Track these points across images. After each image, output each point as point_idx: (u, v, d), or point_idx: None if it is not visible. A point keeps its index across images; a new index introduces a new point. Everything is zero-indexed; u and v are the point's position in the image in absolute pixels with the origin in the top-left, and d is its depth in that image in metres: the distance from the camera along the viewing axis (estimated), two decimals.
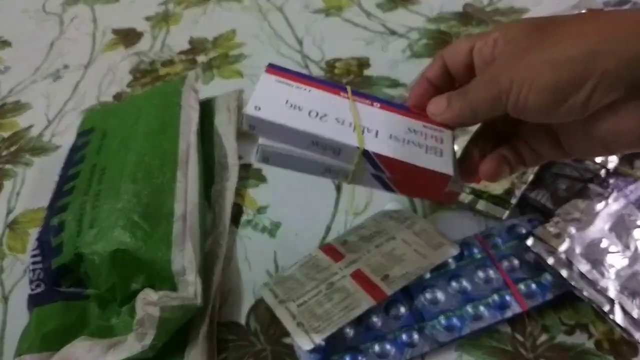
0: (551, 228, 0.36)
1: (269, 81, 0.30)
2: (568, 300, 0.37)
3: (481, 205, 0.39)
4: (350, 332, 0.36)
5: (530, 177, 0.38)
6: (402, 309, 0.37)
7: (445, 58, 0.31)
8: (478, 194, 0.40)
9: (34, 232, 0.48)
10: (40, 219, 0.44)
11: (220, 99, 0.53)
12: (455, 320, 0.35)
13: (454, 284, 0.37)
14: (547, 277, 0.36)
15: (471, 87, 0.28)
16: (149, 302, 0.35)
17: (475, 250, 0.39)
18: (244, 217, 0.46)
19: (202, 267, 0.39)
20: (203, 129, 0.49)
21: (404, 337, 0.35)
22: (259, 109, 0.28)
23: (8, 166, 0.56)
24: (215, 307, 0.39)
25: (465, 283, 0.37)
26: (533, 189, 0.40)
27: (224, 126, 0.51)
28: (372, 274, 0.38)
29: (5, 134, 0.60)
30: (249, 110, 0.28)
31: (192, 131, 0.46)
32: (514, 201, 0.38)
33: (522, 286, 0.36)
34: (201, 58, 0.65)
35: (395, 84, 0.57)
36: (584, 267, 0.34)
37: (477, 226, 0.42)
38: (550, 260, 0.35)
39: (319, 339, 0.34)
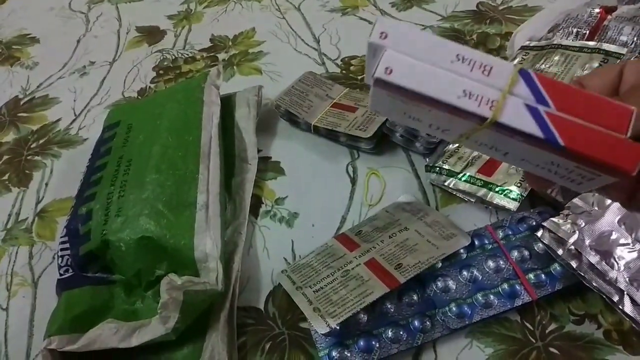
0: (561, 220, 0.37)
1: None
2: (577, 291, 0.37)
3: (492, 197, 0.40)
4: (364, 317, 0.37)
5: None
6: (415, 297, 0.38)
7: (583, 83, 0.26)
8: (490, 187, 0.41)
9: (62, 221, 0.50)
10: (68, 208, 0.46)
11: (240, 94, 0.55)
12: (465, 308, 0.37)
13: (465, 273, 0.38)
14: (556, 268, 0.37)
15: None
16: (173, 287, 0.36)
17: (486, 241, 0.40)
18: (263, 208, 0.47)
19: (223, 255, 0.40)
20: (224, 123, 0.51)
21: (416, 322, 0.37)
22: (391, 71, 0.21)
23: (37, 158, 0.58)
24: (235, 293, 0.40)
25: (476, 272, 0.38)
26: None
27: (244, 120, 0.52)
28: (386, 263, 0.39)
29: (34, 127, 0.62)
30: (374, 38, 0.21)
31: (214, 125, 0.48)
32: (524, 194, 0.39)
33: (531, 276, 0.37)
34: (222, 55, 0.67)
35: None
36: (593, 258, 0.35)
37: (488, 218, 0.43)
38: (560, 252, 0.36)
39: (334, 323, 0.35)
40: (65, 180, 0.55)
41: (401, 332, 0.36)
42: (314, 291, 0.38)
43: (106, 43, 0.74)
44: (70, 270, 0.42)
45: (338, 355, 0.36)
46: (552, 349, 0.35)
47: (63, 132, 0.61)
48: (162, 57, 0.69)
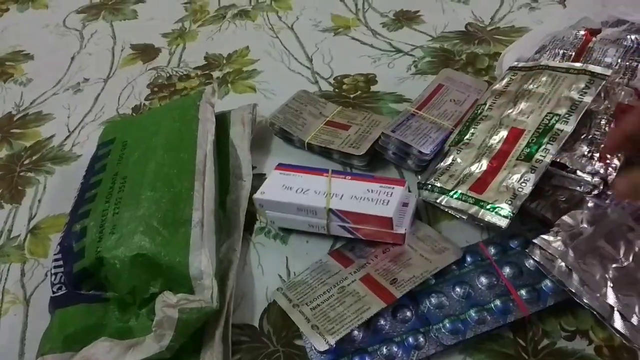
0: (551, 237, 0.38)
1: (274, 174, 0.46)
2: (568, 307, 0.38)
3: (484, 215, 0.41)
4: (359, 334, 0.37)
5: (530, 189, 0.40)
6: (409, 313, 0.38)
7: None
8: (481, 205, 0.41)
9: (54, 238, 0.50)
10: (61, 225, 0.46)
11: (235, 112, 0.56)
12: (459, 324, 0.37)
13: (458, 289, 0.39)
14: (547, 284, 0.38)
15: None
16: (168, 304, 0.36)
17: (479, 258, 0.41)
18: (258, 225, 0.48)
19: (218, 272, 0.41)
20: (219, 140, 0.51)
21: (410, 339, 0.37)
22: (263, 193, 0.44)
23: (30, 174, 0.58)
24: (230, 310, 0.41)
25: (469, 289, 0.39)
26: (533, 200, 0.42)
27: (239, 138, 0.53)
28: (381, 278, 0.39)
29: (28, 144, 0.62)
30: (257, 195, 0.44)
31: (209, 142, 0.49)
32: (515, 212, 0.40)
33: (523, 292, 0.38)
34: (216, 73, 0.68)
35: (400, 99, 0.59)
36: (583, 275, 0.36)
37: (479, 235, 0.44)
38: (550, 268, 0.37)
39: (333, 340, 0.35)
40: (59, 196, 0.55)
41: (395, 349, 0.37)
42: (310, 308, 0.38)
43: (100, 60, 0.74)
44: (64, 288, 0.42)
45: None
46: None
47: (57, 149, 0.61)
48: (156, 75, 0.70)
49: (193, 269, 0.39)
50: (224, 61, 0.70)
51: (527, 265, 0.39)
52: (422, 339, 0.37)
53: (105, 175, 0.48)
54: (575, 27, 0.52)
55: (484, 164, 0.44)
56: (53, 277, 0.42)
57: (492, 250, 0.41)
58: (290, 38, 0.72)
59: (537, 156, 0.41)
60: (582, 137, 0.43)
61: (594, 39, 0.50)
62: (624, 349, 0.36)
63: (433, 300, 0.39)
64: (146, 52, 0.74)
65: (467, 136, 0.47)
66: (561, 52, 0.50)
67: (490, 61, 0.62)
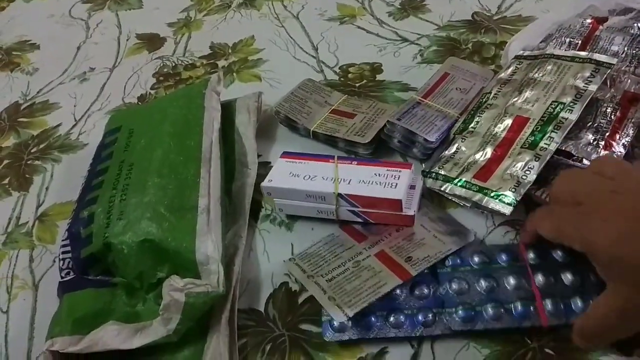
0: None
1: (280, 162, 0.47)
2: None
3: (487, 202, 0.41)
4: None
5: (534, 177, 0.40)
6: (426, 291, 0.38)
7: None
8: (485, 192, 0.41)
9: (62, 224, 0.50)
10: (68, 212, 0.46)
11: (240, 100, 0.56)
12: (472, 314, 0.37)
13: (483, 282, 0.38)
14: (577, 302, 0.36)
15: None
16: (175, 289, 0.37)
17: (515, 258, 0.39)
18: (263, 212, 0.48)
19: (224, 258, 0.41)
20: (224, 128, 0.52)
21: (420, 316, 0.37)
22: (271, 180, 0.45)
23: (37, 162, 0.59)
24: (236, 295, 0.41)
25: (494, 284, 0.38)
26: (538, 187, 0.42)
27: (244, 126, 0.53)
28: (395, 255, 0.40)
29: (35, 132, 0.63)
30: (265, 183, 0.44)
31: (215, 130, 0.49)
32: (518, 199, 0.40)
33: (549, 302, 0.36)
34: (221, 62, 0.68)
35: (406, 87, 0.59)
36: None
37: (484, 222, 0.44)
38: None
39: (351, 312, 0.36)
40: (66, 184, 0.55)
41: (402, 319, 0.37)
42: (326, 280, 0.39)
43: (106, 50, 0.74)
44: (72, 273, 0.42)
45: (338, 325, 0.37)
46: (547, 350, 0.36)
47: (63, 137, 0.61)
48: (162, 64, 0.70)
49: (199, 255, 0.40)
50: (229, 50, 0.70)
51: (562, 278, 0.38)
52: (431, 318, 0.37)
53: (112, 162, 0.48)
54: (582, 16, 0.52)
55: (489, 152, 0.44)
56: (61, 262, 0.43)
57: (531, 255, 0.39)
58: (296, 27, 0.72)
59: (542, 144, 0.41)
60: (588, 125, 0.43)
61: (600, 27, 0.50)
62: None
63: (454, 285, 0.38)
64: (152, 42, 0.75)
65: (472, 124, 0.47)
66: (567, 40, 0.50)
67: (496, 50, 0.62)
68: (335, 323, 0.37)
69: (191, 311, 0.37)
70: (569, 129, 0.41)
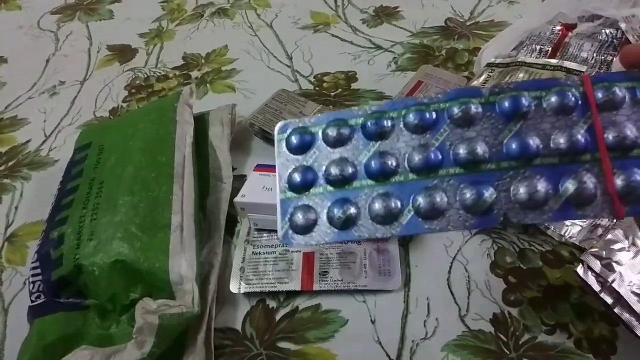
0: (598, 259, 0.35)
1: (253, 176, 0.46)
2: (548, 301, 0.39)
3: None
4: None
5: None
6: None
7: None
8: None
9: (32, 245, 0.49)
10: (39, 232, 0.45)
11: (214, 113, 0.55)
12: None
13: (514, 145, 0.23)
14: None
15: None
16: (148, 311, 0.36)
17: (573, 97, 0.23)
18: (238, 227, 0.47)
19: (199, 276, 0.40)
20: (198, 142, 0.51)
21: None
22: (244, 196, 0.44)
23: (6, 181, 0.57)
24: (212, 314, 0.40)
25: (541, 139, 0.23)
26: None
27: (218, 139, 0.52)
28: (317, 264, 0.43)
29: (3, 149, 0.61)
30: (238, 198, 0.44)
31: (187, 145, 0.48)
32: None
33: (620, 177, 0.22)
34: (194, 73, 0.67)
35: (380, 96, 0.59)
36: (632, 298, 0.34)
37: (462, 237, 0.44)
38: (598, 289, 0.35)
39: (242, 290, 0.42)
40: (36, 203, 0.54)
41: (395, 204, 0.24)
42: (252, 252, 0.44)
43: (76, 62, 0.73)
44: (42, 297, 0.41)
45: (302, 217, 0.25)
46: None
47: (33, 154, 0.60)
48: (134, 76, 0.69)
49: (173, 274, 0.39)
50: (203, 61, 0.69)
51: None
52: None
53: (82, 180, 0.47)
54: (552, 22, 0.52)
55: None
56: (31, 285, 0.41)
57: (600, 95, 0.23)
58: (270, 36, 0.72)
59: None
60: None
61: (570, 33, 0.51)
62: (603, 341, 0.37)
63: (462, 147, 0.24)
64: (123, 53, 0.73)
65: None
66: (538, 47, 0.50)
67: (469, 56, 0.62)
68: (299, 215, 0.24)
69: (165, 333, 0.36)
70: None
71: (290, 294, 0.42)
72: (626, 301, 0.34)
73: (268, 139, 0.54)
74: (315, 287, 0.41)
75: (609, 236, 0.36)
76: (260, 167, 0.47)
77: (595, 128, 0.23)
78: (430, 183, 0.24)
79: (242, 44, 0.71)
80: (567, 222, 0.41)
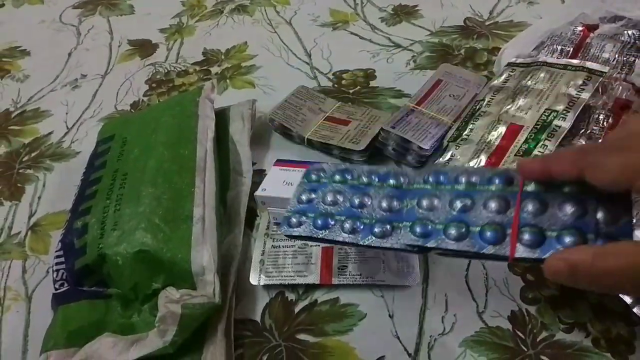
0: None
1: (274, 170, 0.47)
2: (566, 300, 0.39)
3: None
4: (340, 199, 0.37)
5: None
6: (395, 204, 0.35)
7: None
8: None
9: (55, 235, 0.50)
10: (62, 222, 0.46)
11: (234, 108, 0.56)
12: (430, 229, 0.33)
13: (458, 202, 0.33)
14: (565, 239, 0.28)
15: None
16: (171, 300, 0.37)
17: (509, 184, 0.32)
18: (258, 220, 0.48)
19: (220, 268, 0.41)
20: (218, 136, 0.51)
21: (376, 228, 0.34)
22: (265, 190, 0.45)
23: (29, 171, 0.58)
24: (232, 306, 0.41)
25: (469, 204, 0.32)
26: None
27: (239, 134, 0.53)
28: (336, 258, 0.43)
29: (26, 140, 0.62)
30: (259, 192, 0.45)
31: (209, 139, 0.49)
32: None
33: (527, 232, 0.29)
34: (214, 69, 0.68)
35: (399, 94, 0.59)
36: None
37: None
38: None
39: (262, 282, 0.42)
40: (59, 193, 0.55)
41: (359, 226, 0.35)
42: (272, 246, 0.45)
43: (98, 56, 0.74)
44: (66, 285, 0.42)
45: (296, 220, 0.37)
46: (543, 357, 0.36)
47: (55, 145, 0.61)
48: (154, 71, 0.70)
49: (195, 265, 0.39)
50: (222, 57, 0.70)
51: (558, 209, 0.29)
52: (387, 230, 0.34)
53: (105, 172, 0.48)
54: (573, 23, 0.52)
55: (483, 159, 0.44)
56: (55, 273, 0.42)
57: (532, 187, 0.31)
58: (289, 33, 0.72)
59: (536, 152, 0.42)
60: (581, 132, 0.43)
61: (591, 34, 0.51)
62: (621, 340, 0.37)
63: (425, 201, 0.34)
64: (144, 48, 0.74)
65: (465, 132, 0.47)
66: (559, 48, 0.50)
67: (489, 56, 0.62)
68: (293, 219, 0.37)
69: (187, 322, 0.37)
70: (562, 136, 0.42)
71: (309, 287, 0.42)
72: None
73: (287, 134, 0.55)
74: (334, 281, 0.41)
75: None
76: (280, 162, 0.48)
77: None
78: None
79: (261, 41, 0.71)
80: None
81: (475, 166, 0.40)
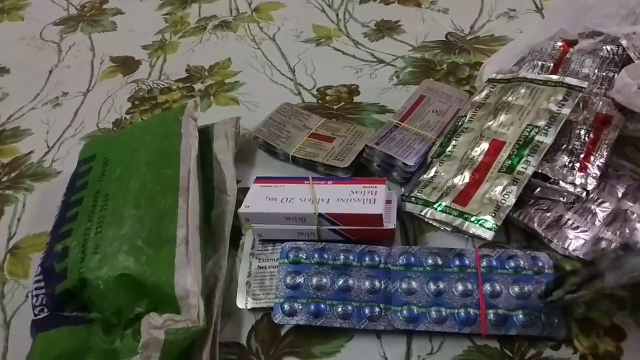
0: None
1: (255, 187, 0.47)
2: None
3: (468, 227, 0.41)
4: (326, 281, 0.41)
5: (513, 200, 0.41)
6: (378, 285, 0.40)
7: None
8: (465, 217, 0.42)
9: (35, 257, 0.49)
10: (42, 244, 0.45)
11: (218, 125, 0.55)
12: (416, 314, 0.39)
13: (432, 285, 0.40)
14: (520, 316, 0.38)
15: None
16: (154, 326, 0.36)
17: (468, 263, 0.41)
18: (242, 240, 0.47)
19: (204, 290, 0.40)
20: (202, 155, 0.51)
21: (367, 309, 0.39)
22: (248, 206, 0.44)
23: (8, 192, 0.57)
24: (217, 329, 0.40)
25: (442, 287, 0.40)
26: (516, 210, 0.42)
27: (222, 152, 0.53)
28: None
29: (5, 160, 0.61)
30: (242, 209, 0.44)
31: (192, 158, 0.48)
32: (499, 224, 0.40)
33: (492, 313, 0.38)
34: (198, 85, 0.67)
35: (383, 109, 0.59)
36: None
37: (464, 244, 0.44)
38: None
39: (249, 305, 0.42)
40: (39, 214, 0.53)
41: (350, 310, 0.39)
42: (258, 266, 0.44)
43: (79, 73, 0.73)
44: (46, 310, 0.41)
45: (289, 307, 0.40)
46: None
47: (36, 165, 0.60)
48: (137, 88, 0.69)
49: (179, 289, 0.39)
50: (206, 73, 0.70)
51: (510, 291, 0.39)
52: (377, 313, 0.39)
53: (86, 192, 0.47)
54: (553, 39, 0.53)
55: (467, 176, 0.44)
56: (34, 299, 0.41)
57: (485, 263, 0.41)
58: (272, 49, 0.72)
59: (519, 168, 0.42)
60: (563, 147, 0.44)
61: (571, 49, 0.52)
62: (608, 356, 0.37)
63: (404, 284, 0.40)
64: (126, 65, 0.74)
65: (448, 148, 0.47)
66: (540, 63, 0.51)
67: (470, 70, 0.63)
68: (286, 306, 0.40)
69: (171, 348, 0.36)
70: (544, 152, 0.42)
71: None
72: None
73: (272, 152, 0.55)
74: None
75: None
76: (260, 180, 0.47)
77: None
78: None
79: (245, 57, 0.71)
80: (571, 236, 0.41)
81: (438, 247, 0.43)
